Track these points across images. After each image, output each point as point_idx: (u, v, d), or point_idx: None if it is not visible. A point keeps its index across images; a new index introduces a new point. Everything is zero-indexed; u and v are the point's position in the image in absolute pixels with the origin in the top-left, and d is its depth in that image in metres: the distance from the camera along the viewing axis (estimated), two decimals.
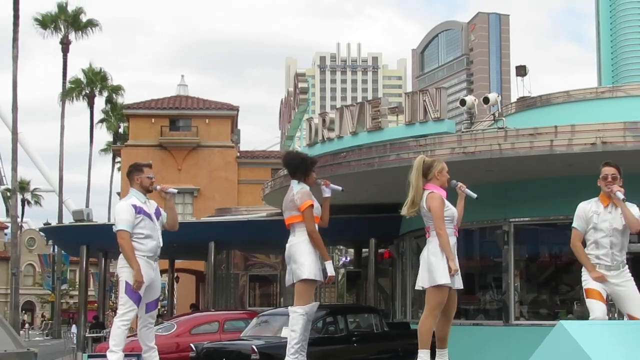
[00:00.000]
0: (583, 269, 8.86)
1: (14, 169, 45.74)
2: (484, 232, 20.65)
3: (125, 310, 8.99)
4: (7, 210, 68.38)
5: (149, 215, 9.22)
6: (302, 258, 9.07)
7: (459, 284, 8.79)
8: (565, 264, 19.05)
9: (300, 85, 28.42)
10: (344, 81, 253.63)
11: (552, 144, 16.16)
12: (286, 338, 9.38)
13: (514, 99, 26.35)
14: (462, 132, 19.23)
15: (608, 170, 8.81)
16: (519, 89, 23.32)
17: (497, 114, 20.40)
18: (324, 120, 22.44)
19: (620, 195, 8.63)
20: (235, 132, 51.88)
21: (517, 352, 16.61)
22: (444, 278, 8.61)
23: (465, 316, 20.10)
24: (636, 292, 8.72)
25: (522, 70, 23.01)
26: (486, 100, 20.09)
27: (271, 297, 35.37)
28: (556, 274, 20.09)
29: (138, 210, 9.14)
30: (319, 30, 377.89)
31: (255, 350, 14.02)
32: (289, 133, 29.93)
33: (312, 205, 9.12)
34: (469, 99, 20.54)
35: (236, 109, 52.05)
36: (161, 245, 9.32)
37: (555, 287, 20.07)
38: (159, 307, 10.06)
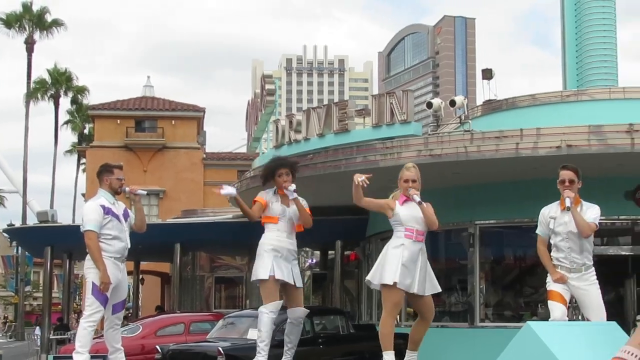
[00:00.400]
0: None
1: None
2: (450, 235, 20.72)
3: (91, 311, 8.94)
4: None
5: (117, 217, 9.19)
6: (255, 262, 9.44)
7: (414, 288, 8.64)
8: (530, 266, 19.18)
9: (267, 86, 28.35)
10: (310, 83, 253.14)
11: (517, 147, 16.25)
12: (253, 340, 9.49)
13: (480, 102, 26.48)
14: (429, 134, 19.29)
15: (565, 174, 8.81)
16: (485, 92, 23.41)
17: (463, 117, 20.47)
18: (290, 122, 22.40)
19: (568, 201, 8.60)
20: (201, 134, 51.71)
21: (482, 354, 16.71)
22: (389, 278, 8.58)
23: None
24: (597, 297, 8.71)
25: (488, 74, 23.08)
26: (452, 103, 20.15)
27: (237, 298, 35.30)
28: (521, 276, 20.22)
29: (106, 211, 9.11)
30: (285, 32, 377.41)
31: (222, 352, 13.99)
32: (256, 135, 29.78)
33: (255, 201, 9.46)
34: (436, 101, 20.58)
35: (202, 110, 51.87)
36: (129, 246, 9.30)
37: (520, 290, 20.20)
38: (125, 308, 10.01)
